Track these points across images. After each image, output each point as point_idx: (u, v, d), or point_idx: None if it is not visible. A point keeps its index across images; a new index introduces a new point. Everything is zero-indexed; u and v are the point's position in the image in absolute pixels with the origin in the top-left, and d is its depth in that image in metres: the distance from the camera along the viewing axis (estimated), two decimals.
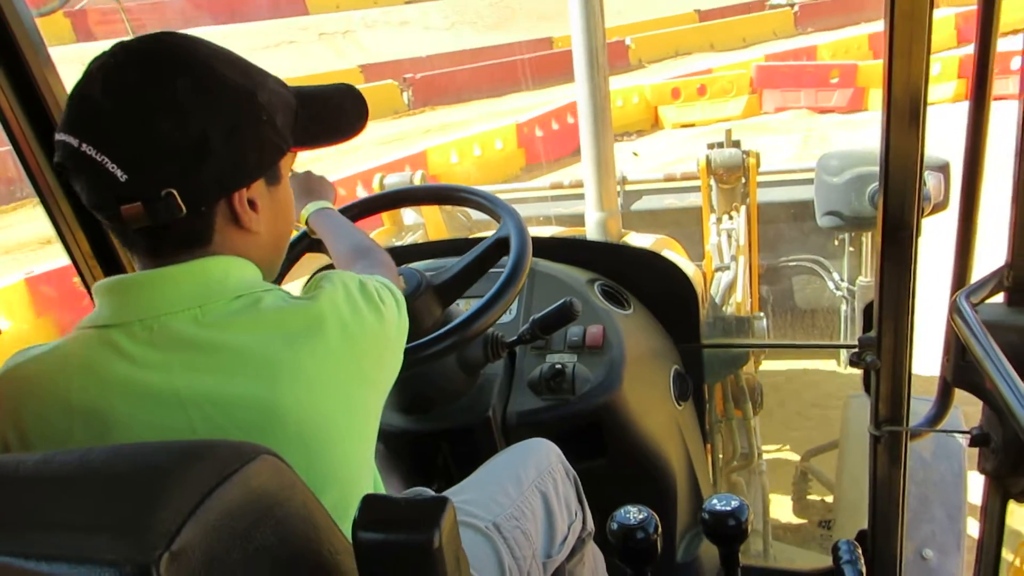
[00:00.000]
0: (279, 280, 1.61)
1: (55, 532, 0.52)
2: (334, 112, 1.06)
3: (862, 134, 9.59)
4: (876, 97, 11.02)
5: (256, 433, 0.84)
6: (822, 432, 3.80)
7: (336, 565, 0.62)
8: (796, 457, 3.46)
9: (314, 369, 0.87)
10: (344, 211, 1.61)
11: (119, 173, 0.82)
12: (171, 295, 0.87)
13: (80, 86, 0.85)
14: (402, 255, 1.84)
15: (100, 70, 0.85)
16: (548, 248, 1.94)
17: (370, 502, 0.58)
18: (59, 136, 0.84)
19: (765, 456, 2.72)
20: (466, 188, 1.62)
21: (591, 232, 2.54)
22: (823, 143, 9.43)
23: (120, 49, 0.86)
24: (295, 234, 1.60)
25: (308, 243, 1.56)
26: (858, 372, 1.50)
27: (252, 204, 0.92)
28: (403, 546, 0.56)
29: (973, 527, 2.29)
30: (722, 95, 11.46)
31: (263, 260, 0.98)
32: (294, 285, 1.32)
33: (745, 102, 11.40)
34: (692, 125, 11.23)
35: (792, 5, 18.30)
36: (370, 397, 0.96)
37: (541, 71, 15.31)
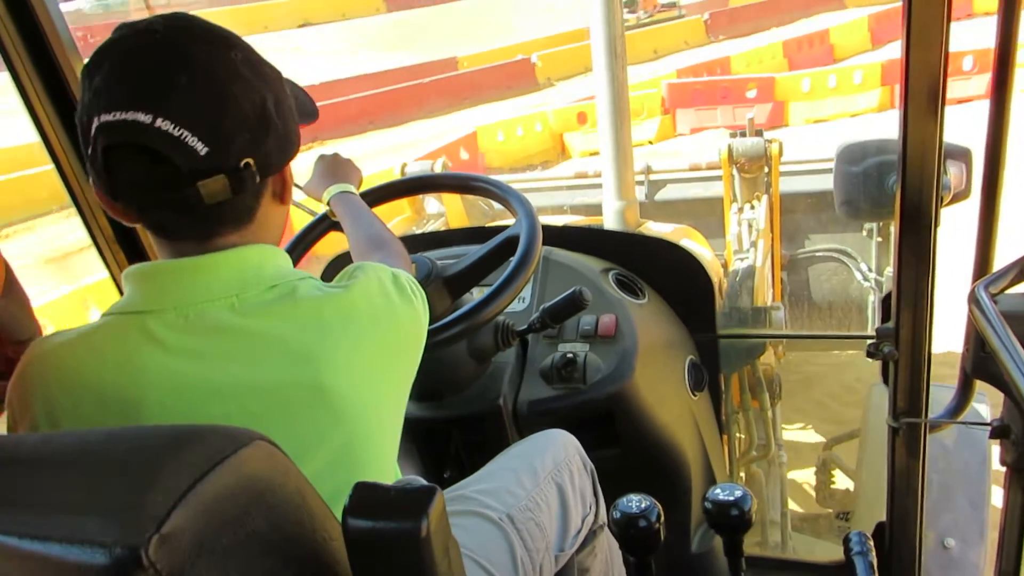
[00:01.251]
0: (297, 261, 1.64)
1: (47, 512, 0.53)
2: (301, 99, 1.10)
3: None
4: (796, 111, 10.31)
5: (292, 420, 0.85)
6: (848, 422, 3.76)
7: (329, 552, 0.63)
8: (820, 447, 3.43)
9: (347, 357, 0.88)
10: (364, 196, 1.63)
11: (199, 147, 0.80)
12: (208, 283, 0.87)
13: (125, 59, 0.82)
14: (421, 242, 1.85)
15: (150, 43, 0.82)
16: (563, 237, 1.94)
17: (360, 489, 0.59)
18: (118, 115, 0.79)
19: (787, 445, 2.70)
20: (480, 177, 1.63)
21: (608, 221, 2.53)
22: None
23: (160, 24, 0.83)
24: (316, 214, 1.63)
25: (328, 224, 1.59)
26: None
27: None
28: (391, 534, 0.56)
29: (998, 517, 2.26)
30: (632, 117, 10.17)
31: (280, 234, 1.00)
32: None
33: (658, 124, 10.35)
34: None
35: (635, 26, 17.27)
36: (399, 385, 0.98)
37: (446, 94, 14.04)
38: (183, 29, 0.84)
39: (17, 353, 0.92)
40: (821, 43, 14.37)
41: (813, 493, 3.21)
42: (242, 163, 0.84)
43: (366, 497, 0.58)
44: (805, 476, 3.41)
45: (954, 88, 10.17)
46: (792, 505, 2.91)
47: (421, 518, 0.56)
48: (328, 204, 1.44)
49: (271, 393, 0.84)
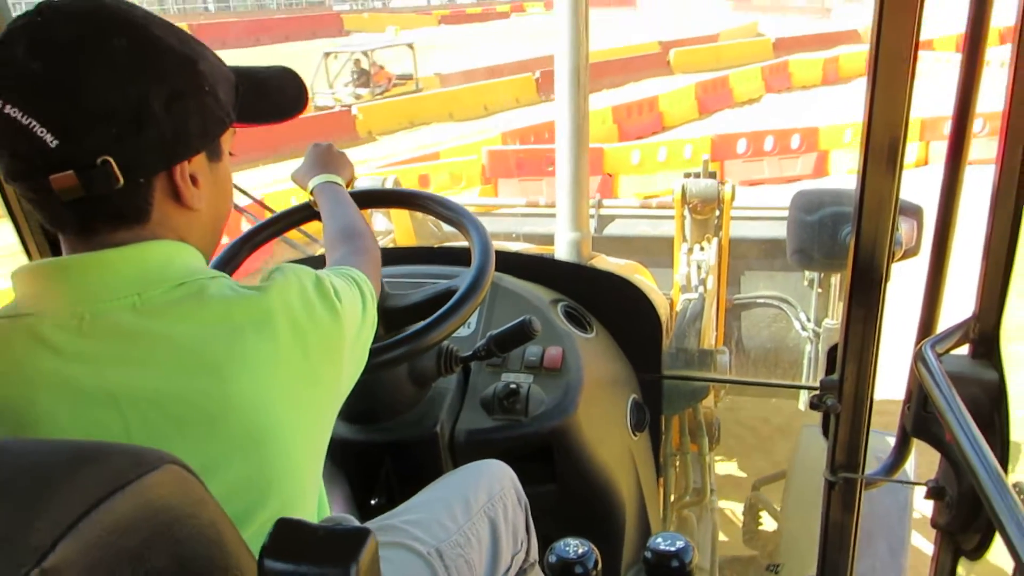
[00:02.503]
0: (261, 244, 1.58)
1: None
2: (274, 91, 1.03)
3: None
4: (626, 185, 9.54)
5: (198, 433, 0.78)
6: (775, 466, 3.80)
7: None
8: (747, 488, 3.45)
9: (261, 366, 0.81)
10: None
11: (49, 138, 0.76)
12: (107, 281, 0.81)
13: (6, 40, 0.78)
14: None
15: (25, 28, 0.79)
16: (514, 264, 1.90)
17: (283, 527, 0.52)
18: None
19: (717, 484, 2.70)
20: (436, 197, 1.58)
21: (560, 252, 2.50)
22: None
23: (47, 8, 0.80)
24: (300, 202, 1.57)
25: (309, 214, 1.52)
26: (818, 413, 1.47)
27: (193, 180, 0.87)
28: None
29: (914, 562, 2.29)
30: (452, 185, 9.11)
31: (202, 241, 0.93)
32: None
33: (478, 194, 8.92)
34: None
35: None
36: (323, 401, 0.91)
37: (258, 144, 11.98)
38: (67, 11, 0.80)
39: None
40: (650, 110, 14.03)
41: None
42: (98, 160, 0.78)
43: (288, 536, 0.51)
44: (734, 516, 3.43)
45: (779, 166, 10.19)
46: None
47: (350, 565, 0.50)
48: (312, 194, 1.38)
49: (172, 403, 0.78)
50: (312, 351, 0.87)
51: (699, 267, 3.11)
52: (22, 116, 0.75)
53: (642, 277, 2.63)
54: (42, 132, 0.75)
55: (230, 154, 0.97)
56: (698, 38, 23.43)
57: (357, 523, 0.53)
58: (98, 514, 0.46)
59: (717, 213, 3.27)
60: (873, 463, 1.51)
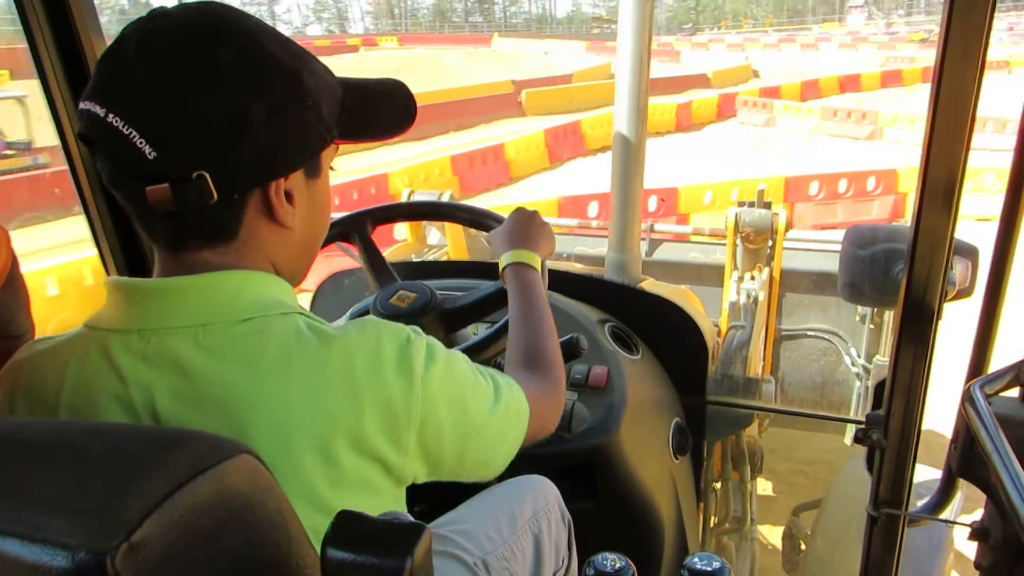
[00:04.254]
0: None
1: (12, 505, 0.50)
2: (381, 106, 0.99)
3: None
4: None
5: None
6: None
7: None
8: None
9: (296, 418, 0.77)
10: (380, 210, 1.65)
11: (147, 150, 0.74)
12: (176, 309, 0.80)
13: (111, 51, 0.77)
14: (423, 270, 1.84)
15: (135, 34, 0.77)
16: (564, 282, 1.93)
17: (344, 518, 0.56)
18: (83, 105, 0.76)
19: (758, 511, 2.68)
20: (494, 215, 1.62)
21: (610, 273, 2.52)
22: None
23: (159, 14, 0.78)
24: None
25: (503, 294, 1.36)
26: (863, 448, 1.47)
27: (288, 197, 0.85)
28: (372, 569, 0.54)
29: None
30: None
31: (291, 261, 0.91)
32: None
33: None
34: None
35: None
36: (380, 476, 0.85)
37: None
38: (177, 19, 0.78)
39: (4, 348, 0.90)
40: (496, 160, 12.61)
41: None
42: (194, 175, 0.76)
43: (349, 527, 0.55)
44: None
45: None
46: None
47: (405, 557, 0.53)
48: (503, 272, 1.29)
49: None
50: (367, 417, 0.80)
51: (748, 296, 3.10)
52: (123, 126, 0.74)
53: (689, 304, 2.63)
54: (141, 143, 0.74)
55: (331, 168, 0.94)
56: (551, 78, 23.09)
57: (413, 520, 0.56)
58: (181, 495, 0.50)
59: (770, 243, 3.26)
60: (914, 496, 1.50)
